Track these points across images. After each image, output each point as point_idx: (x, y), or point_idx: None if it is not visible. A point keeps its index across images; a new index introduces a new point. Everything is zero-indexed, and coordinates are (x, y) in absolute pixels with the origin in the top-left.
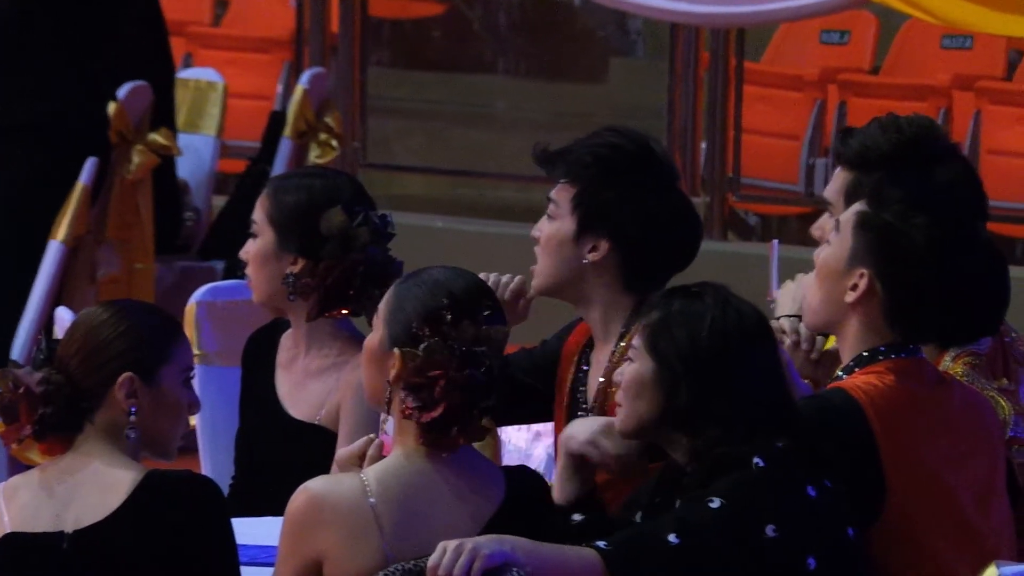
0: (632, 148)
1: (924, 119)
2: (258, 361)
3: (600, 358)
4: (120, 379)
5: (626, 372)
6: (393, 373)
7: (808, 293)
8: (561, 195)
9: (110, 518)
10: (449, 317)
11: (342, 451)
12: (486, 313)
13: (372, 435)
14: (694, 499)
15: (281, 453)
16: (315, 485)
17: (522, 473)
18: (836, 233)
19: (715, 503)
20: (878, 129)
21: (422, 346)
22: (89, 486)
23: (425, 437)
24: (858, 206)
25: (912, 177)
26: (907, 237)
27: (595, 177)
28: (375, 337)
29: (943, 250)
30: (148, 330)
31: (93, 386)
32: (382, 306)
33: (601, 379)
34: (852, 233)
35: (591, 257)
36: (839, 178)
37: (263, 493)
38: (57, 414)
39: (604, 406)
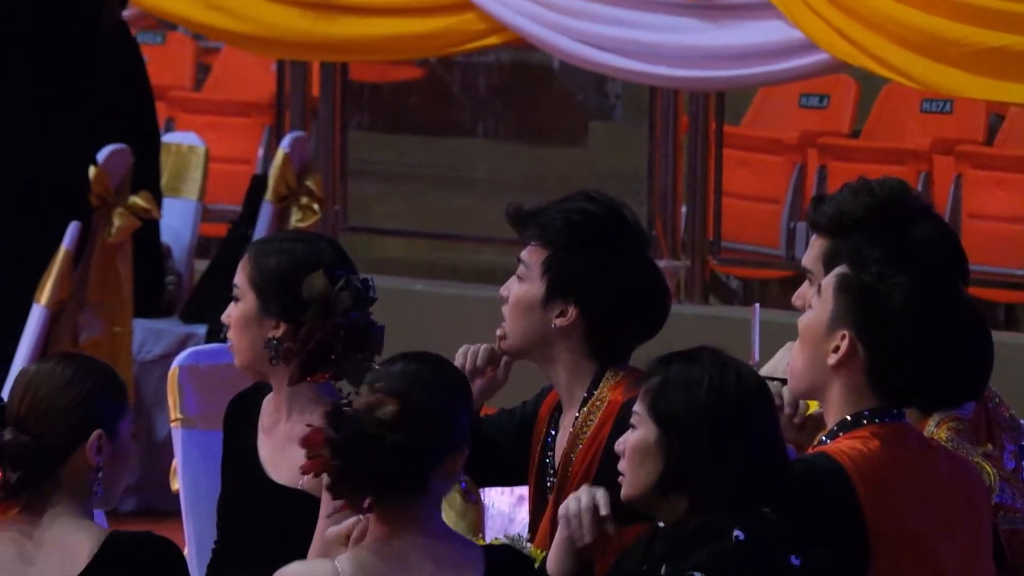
0: (603, 214)
1: (895, 181)
2: (240, 425)
3: (566, 423)
4: (92, 437)
5: (629, 439)
6: None
7: (792, 358)
8: (532, 257)
9: None
10: None
11: (331, 530)
12: None
13: (360, 516)
14: (675, 573)
15: (263, 517)
16: (289, 572)
17: (502, 554)
18: (818, 297)
19: None
20: (850, 194)
21: None
22: (50, 550)
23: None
24: (839, 269)
25: (890, 238)
26: (886, 298)
27: (566, 242)
28: None
29: (923, 310)
30: (108, 386)
31: (61, 445)
32: None
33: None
34: (833, 295)
35: (559, 322)
36: (816, 245)
37: (246, 557)
38: (25, 477)
39: (566, 472)
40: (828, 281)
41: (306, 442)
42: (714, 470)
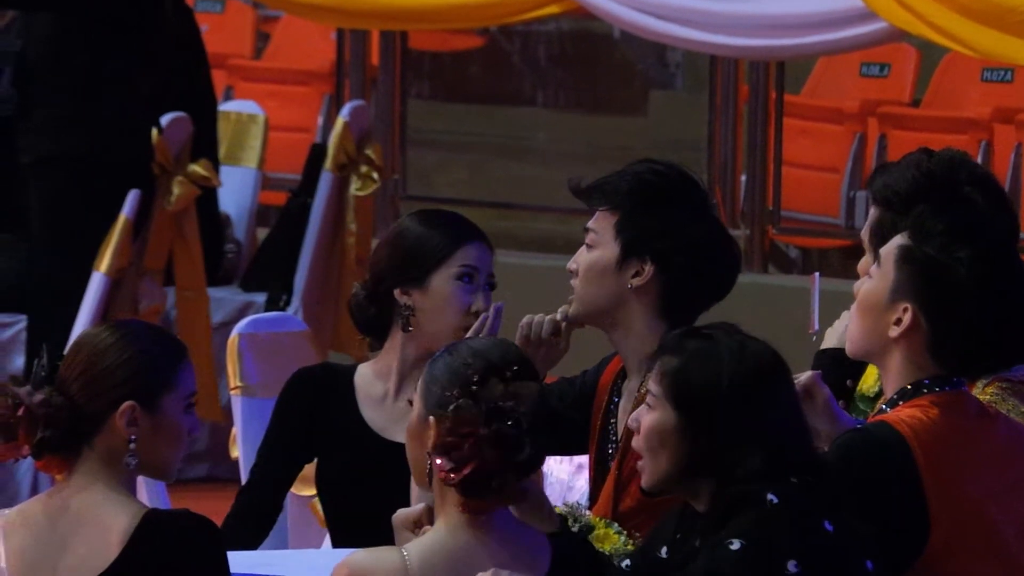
0: (671, 175)
1: (948, 153)
2: (323, 400)
3: (631, 388)
4: (121, 407)
5: (645, 421)
6: (430, 442)
7: (850, 325)
8: (601, 223)
9: (108, 571)
10: (476, 377)
11: (399, 514)
12: (514, 369)
13: (428, 503)
14: (714, 544)
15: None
16: (356, 560)
17: (568, 541)
18: (877, 267)
19: (735, 545)
20: (904, 166)
21: (451, 407)
22: (87, 529)
23: (462, 500)
24: (899, 239)
25: (952, 210)
26: (951, 271)
27: (637, 203)
28: (414, 413)
29: (988, 284)
30: (153, 357)
31: (94, 411)
32: (419, 382)
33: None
34: (894, 267)
35: (635, 282)
36: (871, 216)
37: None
38: (56, 437)
39: (630, 438)
40: (888, 251)
41: (449, 447)
42: (737, 453)
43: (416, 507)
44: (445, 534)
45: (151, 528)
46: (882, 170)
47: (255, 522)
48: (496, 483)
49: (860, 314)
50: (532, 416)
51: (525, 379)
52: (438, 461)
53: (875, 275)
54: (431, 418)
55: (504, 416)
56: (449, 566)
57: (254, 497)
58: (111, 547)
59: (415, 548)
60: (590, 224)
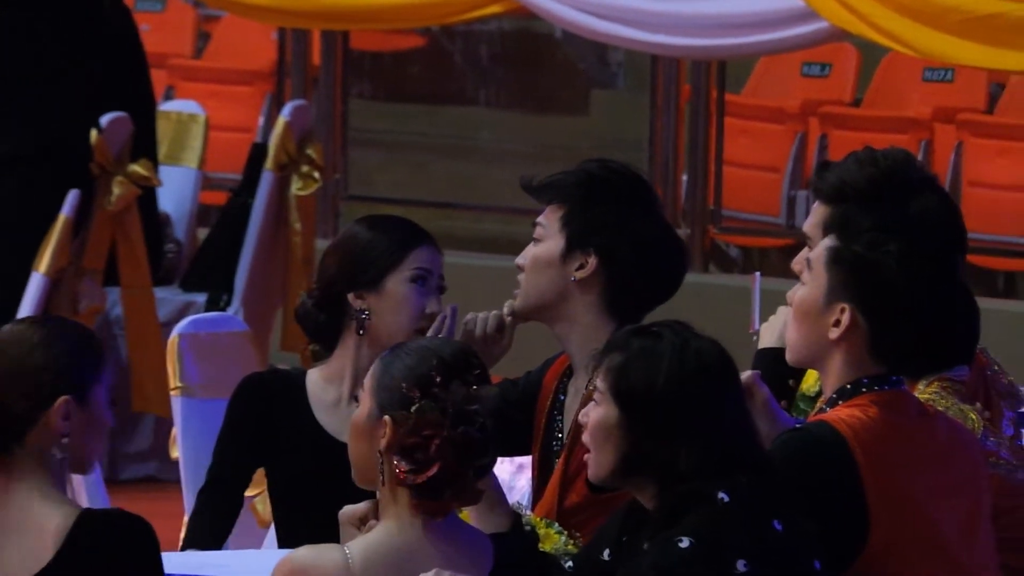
0: (621, 171)
1: (900, 152)
2: (275, 406)
3: (578, 385)
4: (58, 403)
5: (591, 416)
6: (384, 441)
7: (788, 334)
8: (549, 217)
9: (44, 571)
10: (439, 379)
11: (345, 510)
12: (476, 372)
13: (376, 499)
14: (663, 541)
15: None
16: (299, 556)
17: (511, 541)
18: (809, 271)
19: (684, 543)
20: (854, 163)
21: (413, 407)
22: (20, 529)
23: (418, 502)
24: (827, 241)
25: (880, 207)
26: (881, 266)
27: (585, 197)
28: (362, 411)
29: (918, 276)
30: (80, 350)
31: (25, 410)
32: (367, 380)
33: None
34: (825, 269)
35: (578, 274)
36: (817, 212)
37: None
38: None
39: (577, 434)
40: (817, 254)
41: (411, 448)
42: (677, 450)
43: (362, 504)
44: (389, 533)
45: (86, 528)
46: (828, 168)
47: (218, 522)
48: (456, 485)
49: (797, 321)
50: (491, 420)
51: (484, 382)
52: (396, 461)
53: (808, 280)
54: (387, 417)
55: (470, 419)
56: (392, 564)
57: (213, 497)
58: (46, 547)
59: (358, 546)
60: (539, 219)
